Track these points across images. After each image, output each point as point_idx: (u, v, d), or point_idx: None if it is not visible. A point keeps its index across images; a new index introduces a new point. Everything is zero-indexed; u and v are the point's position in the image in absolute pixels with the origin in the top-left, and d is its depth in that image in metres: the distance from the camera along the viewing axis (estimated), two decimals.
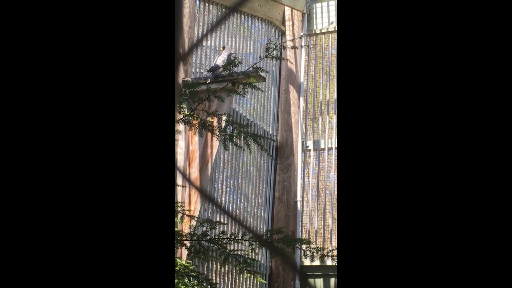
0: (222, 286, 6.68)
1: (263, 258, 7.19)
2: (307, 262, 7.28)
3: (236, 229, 5.34)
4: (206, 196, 6.17)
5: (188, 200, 5.46)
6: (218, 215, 6.41)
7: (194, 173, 5.78)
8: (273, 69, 7.77)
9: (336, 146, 7.69)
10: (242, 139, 4.66)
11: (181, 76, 5.85)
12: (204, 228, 4.97)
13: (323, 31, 8.02)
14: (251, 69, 5.17)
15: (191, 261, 4.98)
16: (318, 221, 7.58)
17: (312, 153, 7.77)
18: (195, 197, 5.73)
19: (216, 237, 4.80)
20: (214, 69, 5.78)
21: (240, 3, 0.80)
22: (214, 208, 5.57)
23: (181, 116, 4.59)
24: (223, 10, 7.10)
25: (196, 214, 5.46)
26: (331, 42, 7.94)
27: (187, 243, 4.73)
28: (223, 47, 6.40)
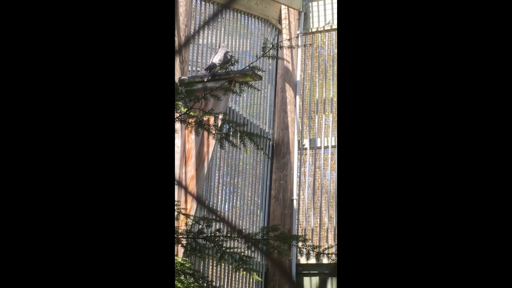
0: (218, 284, 6.69)
1: (259, 256, 7.19)
2: (303, 260, 7.30)
3: (231, 228, 5.35)
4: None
5: (184, 199, 5.46)
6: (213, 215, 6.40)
7: (191, 171, 5.79)
8: (270, 67, 7.78)
9: (333, 144, 7.70)
10: (238, 138, 4.66)
11: (177, 74, 5.85)
12: (200, 226, 4.98)
13: (319, 29, 8.03)
14: (247, 68, 5.17)
15: (187, 259, 4.98)
16: (314, 219, 7.59)
17: (308, 151, 7.78)
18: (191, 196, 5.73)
19: (212, 234, 4.81)
20: (211, 67, 5.77)
21: (232, 0, 0.81)
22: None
23: (178, 114, 4.59)
24: (218, 7, 7.10)
25: (192, 212, 5.46)
26: (328, 40, 7.94)
27: (183, 240, 4.73)
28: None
